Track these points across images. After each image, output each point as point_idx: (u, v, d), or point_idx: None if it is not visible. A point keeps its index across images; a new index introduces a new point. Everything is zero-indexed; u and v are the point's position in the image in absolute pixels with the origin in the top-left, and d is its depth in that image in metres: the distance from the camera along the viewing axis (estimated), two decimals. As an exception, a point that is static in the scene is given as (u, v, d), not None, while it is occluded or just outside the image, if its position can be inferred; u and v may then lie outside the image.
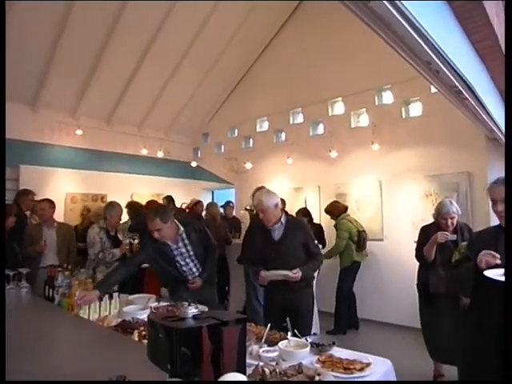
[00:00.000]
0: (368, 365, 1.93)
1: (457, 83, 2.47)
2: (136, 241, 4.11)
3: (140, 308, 2.89)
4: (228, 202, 7.00)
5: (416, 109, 5.91)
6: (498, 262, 1.83)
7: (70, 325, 2.48)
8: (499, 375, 1.62)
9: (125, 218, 4.97)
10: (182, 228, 3.17)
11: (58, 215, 5.40)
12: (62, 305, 2.86)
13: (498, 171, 3.85)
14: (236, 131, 8.39)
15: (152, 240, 3.08)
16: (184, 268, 3.23)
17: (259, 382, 1.65)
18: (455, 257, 3.29)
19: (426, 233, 3.63)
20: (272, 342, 2.17)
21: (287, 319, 2.83)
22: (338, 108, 6.80)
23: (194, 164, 8.35)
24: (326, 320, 5.26)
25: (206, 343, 1.30)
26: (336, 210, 5.53)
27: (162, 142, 8.00)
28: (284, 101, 7.34)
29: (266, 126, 7.85)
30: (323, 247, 5.37)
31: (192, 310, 1.38)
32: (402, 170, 5.75)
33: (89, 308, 2.73)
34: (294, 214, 5.89)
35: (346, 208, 5.58)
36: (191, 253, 3.23)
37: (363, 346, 4.23)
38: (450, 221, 3.46)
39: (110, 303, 2.90)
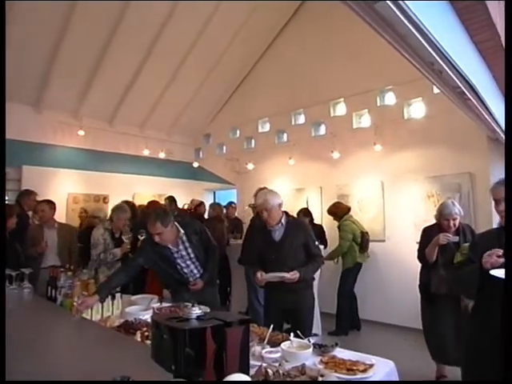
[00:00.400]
0: (371, 366, 1.93)
1: (460, 84, 2.47)
2: (143, 237, 4.11)
3: (142, 309, 2.90)
4: (230, 203, 7.01)
5: (418, 110, 5.90)
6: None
7: (73, 325, 2.48)
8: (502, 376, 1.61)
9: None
10: (182, 231, 3.13)
11: (60, 216, 5.42)
12: (65, 305, 2.86)
13: (500, 172, 3.83)
14: (238, 132, 8.39)
15: (152, 243, 3.05)
16: (185, 270, 3.21)
17: (264, 382, 1.65)
18: (457, 258, 3.30)
19: (428, 234, 3.62)
20: (274, 343, 2.17)
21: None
22: (340, 109, 6.79)
23: (195, 165, 8.36)
24: (327, 321, 5.27)
25: (209, 344, 1.30)
26: (339, 210, 5.52)
27: (164, 143, 8.01)
28: (286, 102, 7.34)
29: (267, 126, 7.85)
30: (325, 247, 5.37)
31: (196, 311, 1.38)
32: (404, 171, 5.74)
33: (91, 309, 2.74)
34: (295, 215, 5.93)
35: (348, 209, 5.58)
36: (192, 255, 3.20)
37: (365, 346, 4.23)
38: (452, 222, 3.45)
39: (113, 304, 2.90)
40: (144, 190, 7.65)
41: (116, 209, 4.28)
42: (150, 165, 7.76)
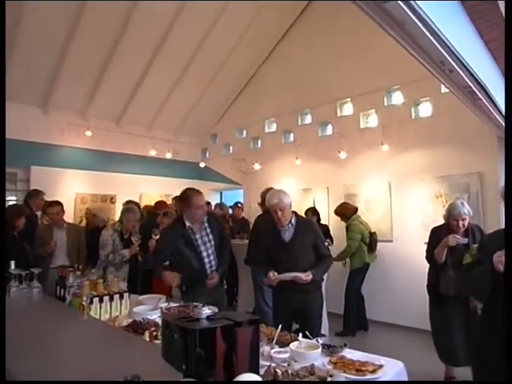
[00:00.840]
0: (380, 366, 1.92)
1: (470, 83, 2.45)
2: (157, 236, 4.13)
3: (150, 308, 2.90)
4: (237, 203, 7.01)
5: (426, 109, 5.87)
6: None
7: (82, 325, 2.49)
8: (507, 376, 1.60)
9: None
10: (206, 216, 3.29)
11: (68, 216, 5.46)
12: (74, 305, 2.87)
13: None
14: (244, 132, 8.39)
15: (181, 226, 3.18)
16: (206, 259, 3.25)
17: (274, 382, 1.65)
18: (466, 259, 3.26)
19: (436, 234, 3.59)
20: (283, 344, 2.17)
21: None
22: (347, 109, 6.77)
23: (202, 165, 8.38)
24: (334, 321, 5.25)
25: (219, 344, 1.30)
26: (346, 211, 5.50)
27: (171, 143, 8.04)
28: (292, 102, 7.33)
29: (274, 126, 7.85)
30: (331, 244, 5.42)
31: (206, 311, 1.38)
32: (412, 171, 5.71)
33: (100, 308, 2.75)
34: (302, 215, 5.92)
35: (356, 209, 5.55)
36: (212, 242, 3.28)
37: (372, 347, 4.21)
38: (461, 222, 3.42)
39: (121, 303, 2.91)
40: (151, 190, 7.69)
41: (126, 210, 4.31)
42: (157, 165, 7.79)
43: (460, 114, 4.72)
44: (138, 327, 2.38)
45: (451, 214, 3.46)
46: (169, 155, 7.84)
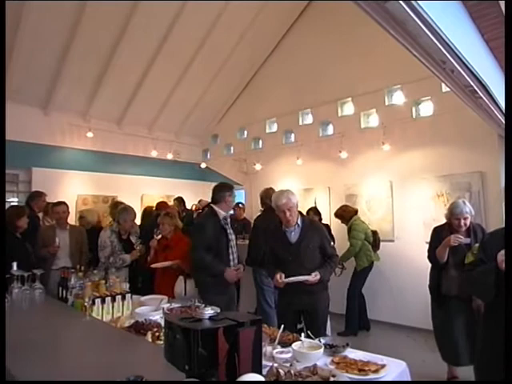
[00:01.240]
0: (383, 366, 1.92)
1: (471, 82, 2.45)
2: (159, 236, 4.12)
3: (152, 309, 2.90)
4: (238, 203, 7.00)
5: (427, 108, 5.86)
6: None
7: (84, 326, 2.50)
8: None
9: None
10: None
11: (70, 217, 5.45)
12: (76, 306, 2.88)
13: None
14: (245, 132, 8.40)
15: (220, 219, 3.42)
16: (231, 256, 3.44)
17: (277, 382, 1.65)
18: (468, 258, 3.26)
19: (438, 233, 3.59)
20: (285, 344, 2.17)
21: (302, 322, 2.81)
22: (348, 108, 6.77)
23: (203, 165, 8.37)
24: (335, 321, 5.24)
25: (222, 344, 1.30)
26: (347, 213, 5.49)
27: (172, 144, 8.04)
28: (293, 102, 7.33)
29: (275, 127, 7.85)
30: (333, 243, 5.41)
31: (208, 312, 1.38)
32: (413, 171, 5.71)
33: (102, 309, 2.75)
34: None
35: (356, 211, 5.54)
36: (235, 241, 3.54)
37: (374, 347, 4.21)
38: (462, 221, 3.41)
39: (123, 304, 2.91)
40: (152, 191, 7.69)
41: (121, 211, 4.29)
42: (158, 166, 7.79)
43: (461, 113, 4.72)
44: (140, 328, 2.38)
45: (453, 213, 3.45)
46: (170, 156, 7.84)
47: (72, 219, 5.96)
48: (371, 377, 1.84)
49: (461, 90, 2.79)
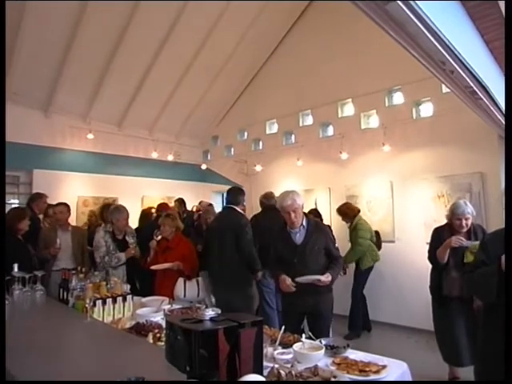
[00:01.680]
0: (384, 367, 1.92)
1: (471, 83, 2.45)
2: (159, 237, 4.13)
3: (153, 310, 2.91)
4: (239, 205, 7.00)
5: (427, 109, 5.87)
6: None
7: (85, 327, 2.50)
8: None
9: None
10: None
11: (70, 219, 5.46)
12: (77, 307, 2.88)
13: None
14: (245, 134, 8.40)
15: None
16: None
17: (278, 382, 1.65)
18: (467, 257, 3.26)
19: (438, 234, 3.58)
20: (286, 345, 2.17)
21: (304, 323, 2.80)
22: (348, 109, 6.78)
23: (203, 167, 8.38)
24: (335, 322, 5.22)
25: (223, 345, 1.31)
26: (351, 211, 5.45)
27: (173, 146, 8.05)
28: (293, 103, 7.34)
29: (275, 128, 7.85)
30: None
31: (209, 313, 1.39)
32: (414, 171, 5.71)
33: (103, 310, 2.76)
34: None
35: (359, 210, 5.53)
36: None
37: (376, 348, 4.21)
38: (464, 222, 3.41)
39: (124, 306, 2.92)
40: (153, 192, 7.70)
41: (112, 211, 4.28)
42: (159, 167, 7.80)
43: (461, 113, 4.72)
44: (141, 329, 2.38)
45: (454, 213, 3.44)
46: (170, 157, 7.84)
47: (73, 220, 5.98)
48: (372, 378, 1.84)
49: (461, 91, 2.79)
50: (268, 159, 7.60)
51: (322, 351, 2.05)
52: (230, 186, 8.18)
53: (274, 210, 3.91)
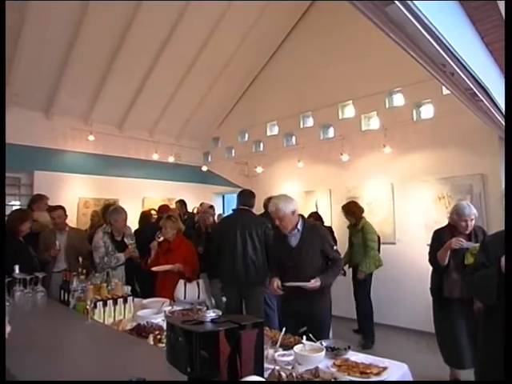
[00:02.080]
0: (384, 369, 1.92)
1: (471, 85, 2.46)
2: (161, 238, 4.14)
3: (154, 312, 2.91)
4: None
5: (427, 111, 5.87)
6: None
7: (86, 328, 2.50)
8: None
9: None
10: None
11: (71, 220, 5.47)
12: (78, 308, 2.89)
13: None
14: (246, 135, 8.41)
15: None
16: None
17: (279, 382, 1.65)
18: (468, 259, 3.25)
19: (439, 236, 3.58)
20: (287, 346, 2.17)
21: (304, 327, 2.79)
22: (349, 111, 6.79)
23: (204, 168, 8.39)
24: (337, 324, 5.21)
25: (224, 346, 1.31)
26: (358, 210, 5.24)
27: (173, 147, 8.06)
28: (294, 105, 7.35)
29: (276, 130, 7.86)
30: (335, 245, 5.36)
31: (210, 314, 1.39)
32: (414, 173, 5.71)
33: (104, 312, 2.76)
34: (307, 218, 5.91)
35: (363, 210, 5.37)
36: None
37: (376, 350, 4.20)
38: (469, 223, 3.40)
39: (125, 307, 2.92)
40: (153, 194, 7.72)
41: (111, 212, 4.29)
42: (160, 169, 7.82)
43: (462, 115, 4.72)
44: (142, 331, 2.39)
45: (460, 214, 3.41)
46: (171, 159, 7.85)
47: (73, 221, 6.00)
48: (373, 379, 1.84)
49: (461, 93, 2.80)
50: (269, 161, 7.61)
51: (323, 353, 2.05)
52: (230, 188, 8.29)
53: None
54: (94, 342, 2.28)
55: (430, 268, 3.67)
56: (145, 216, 5.85)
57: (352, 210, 5.27)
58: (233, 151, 8.61)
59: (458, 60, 2.06)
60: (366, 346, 4.85)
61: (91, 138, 6.91)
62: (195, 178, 8.39)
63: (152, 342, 2.21)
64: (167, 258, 3.93)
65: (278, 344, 2.18)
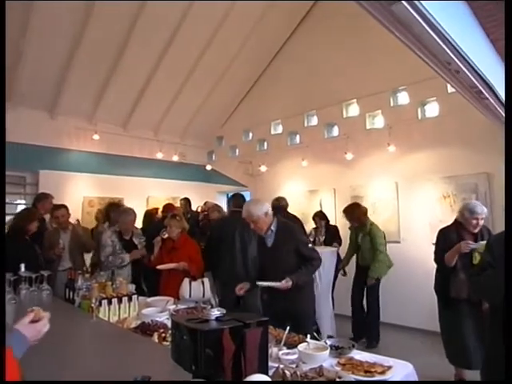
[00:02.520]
0: (389, 368, 1.91)
1: (477, 83, 2.44)
2: (166, 235, 4.16)
3: (159, 310, 2.92)
4: (243, 205, 7.00)
5: (432, 109, 5.85)
6: None
7: (92, 326, 2.51)
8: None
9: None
10: None
11: (76, 218, 5.49)
12: (83, 307, 2.90)
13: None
14: (250, 134, 8.41)
15: None
16: None
17: (283, 382, 1.65)
18: (475, 258, 3.24)
19: (445, 235, 3.56)
20: (291, 345, 2.17)
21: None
22: (353, 110, 6.77)
23: (208, 167, 8.40)
24: (341, 323, 5.22)
25: (228, 345, 1.31)
26: (361, 214, 5.01)
27: (177, 146, 8.07)
28: (298, 103, 7.34)
29: (280, 128, 7.85)
30: (339, 245, 5.39)
31: (215, 312, 1.39)
32: (419, 172, 5.69)
33: (109, 310, 2.77)
34: (309, 217, 5.91)
35: (367, 210, 5.23)
36: None
37: (381, 349, 4.19)
38: (480, 221, 3.39)
39: (130, 306, 2.93)
40: (158, 192, 7.73)
41: (120, 213, 4.32)
42: (164, 168, 7.82)
43: (467, 113, 4.69)
44: (146, 329, 2.39)
45: (473, 212, 3.39)
46: (175, 158, 7.87)
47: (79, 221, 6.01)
48: (377, 378, 1.83)
49: (466, 91, 2.78)
50: (273, 160, 7.60)
51: (327, 352, 2.04)
52: (234, 187, 8.30)
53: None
54: (99, 340, 2.29)
55: (435, 267, 3.65)
56: (149, 215, 5.87)
57: (356, 216, 5.03)
58: (237, 150, 8.62)
59: (464, 58, 2.05)
60: (371, 345, 4.83)
61: (96, 137, 6.94)
62: (199, 176, 8.40)
63: (156, 340, 2.21)
64: (172, 256, 3.94)
65: (283, 342, 2.18)
